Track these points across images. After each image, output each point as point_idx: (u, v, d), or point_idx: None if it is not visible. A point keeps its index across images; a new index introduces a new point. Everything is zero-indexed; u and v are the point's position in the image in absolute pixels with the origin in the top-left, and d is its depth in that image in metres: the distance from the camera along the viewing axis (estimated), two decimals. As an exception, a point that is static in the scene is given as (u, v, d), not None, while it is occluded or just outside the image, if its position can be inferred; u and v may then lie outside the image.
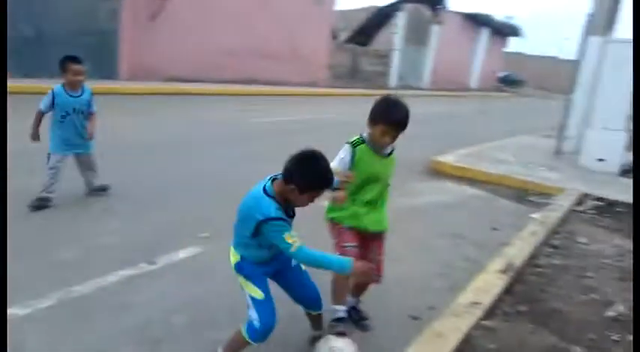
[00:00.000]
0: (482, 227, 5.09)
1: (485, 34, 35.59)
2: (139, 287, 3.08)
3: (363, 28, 30.45)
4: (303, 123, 10.72)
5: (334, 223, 2.71)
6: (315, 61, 21.69)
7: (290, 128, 9.91)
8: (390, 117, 2.52)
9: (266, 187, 2.16)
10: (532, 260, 3.99)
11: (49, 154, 4.29)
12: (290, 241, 2.08)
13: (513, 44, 50.81)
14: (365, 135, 2.65)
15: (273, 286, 2.39)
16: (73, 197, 4.54)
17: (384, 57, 27.67)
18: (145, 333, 2.62)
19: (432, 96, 24.11)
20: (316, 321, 2.60)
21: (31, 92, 8.96)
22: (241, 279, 2.30)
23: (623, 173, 8.00)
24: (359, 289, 2.90)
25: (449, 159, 7.83)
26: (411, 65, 28.42)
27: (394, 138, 2.58)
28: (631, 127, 7.84)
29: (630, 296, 3.49)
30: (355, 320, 2.90)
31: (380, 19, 29.69)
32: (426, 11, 28.92)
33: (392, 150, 2.71)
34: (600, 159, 8.05)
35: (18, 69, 10.62)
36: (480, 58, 35.95)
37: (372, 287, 2.91)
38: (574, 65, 9.20)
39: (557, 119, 9.81)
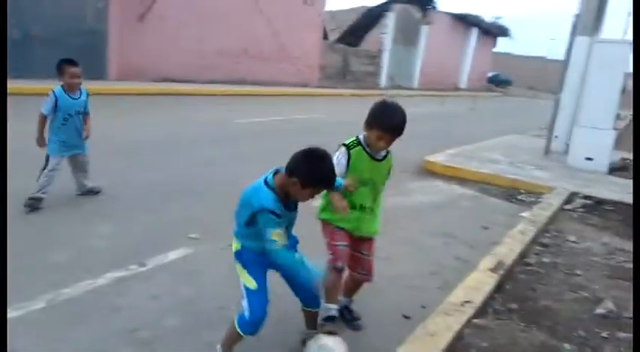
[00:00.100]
0: (472, 226, 5.11)
1: (474, 35, 35.83)
2: (130, 289, 3.06)
3: (353, 28, 30.48)
4: (294, 124, 10.71)
5: (327, 223, 2.71)
6: (306, 61, 21.68)
7: (280, 128, 9.89)
8: (387, 122, 2.50)
9: (267, 179, 2.17)
10: (522, 258, 4.03)
11: (47, 156, 4.28)
12: (274, 238, 2.09)
13: (502, 44, 51.22)
14: (361, 137, 2.64)
15: (275, 283, 2.38)
16: (64, 198, 4.50)
17: (375, 57, 27.73)
18: (136, 335, 2.60)
19: (422, 96, 24.19)
20: (311, 319, 2.59)
21: (19, 93, 8.89)
22: (238, 267, 2.30)
23: (611, 171, 8.09)
24: (351, 289, 2.91)
25: (439, 158, 7.87)
26: (401, 65, 28.52)
27: (389, 143, 2.57)
28: (618, 126, 7.94)
29: (619, 293, 3.53)
30: (347, 319, 2.91)
31: (370, 19, 29.74)
32: (415, 12, 29.04)
33: (387, 153, 2.70)
34: (589, 158, 8.14)
35: (8, 70, 10.48)
36: (469, 58, 36.17)
37: (364, 287, 2.92)
38: (562, 65, 9.29)
39: (546, 118, 9.91)
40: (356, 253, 2.74)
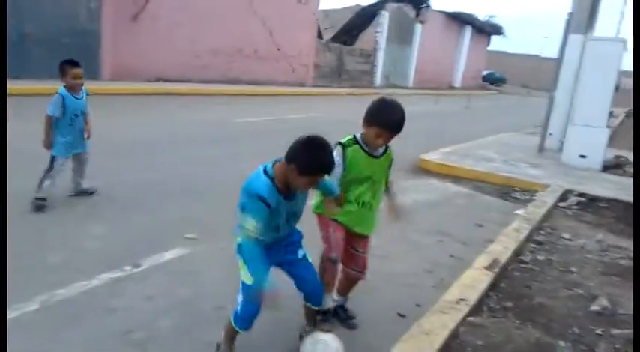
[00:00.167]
0: (467, 224, 5.13)
1: (468, 33, 35.94)
2: (124, 290, 3.05)
3: (347, 27, 30.51)
4: (289, 123, 10.70)
5: (323, 216, 2.69)
6: (300, 60, 21.67)
7: (276, 127, 9.88)
8: (386, 120, 2.50)
9: (267, 168, 2.17)
10: (517, 256, 4.04)
11: (52, 157, 4.27)
12: (247, 226, 2.07)
13: (496, 43, 51.38)
14: (359, 135, 2.63)
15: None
16: (59, 198, 4.47)
17: (369, 56, 27.76)
18: (130, 336, 2.59)
19: (417, 95, 24.22)
20: (310, 316, 2.59)
21: (17, 94, 8.83)
22: (240, 262, 2.27)
23: (605, 169, 8.13)
24: (346, 287, 2.91)
25: (434, 157, 7.88)
26: (396, 64, 28.55)
27: (388, 140, 2.57)
28: (611, 124, 7.98)
29: (613, 290, 3.55)
30: (342, 318, 2.91)
31: (364, 18, 29.79)
32: (409, 10, 29.09)
33: (386, 149, 2.69)
34: (582, 156, 8.18)
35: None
36: (463, 57, 36.27)
37: (359, 285, 2.92)
38: (556, 63, 9.33)
39: (540, 116, 9.94)
40: (351, 250, 2.75)
